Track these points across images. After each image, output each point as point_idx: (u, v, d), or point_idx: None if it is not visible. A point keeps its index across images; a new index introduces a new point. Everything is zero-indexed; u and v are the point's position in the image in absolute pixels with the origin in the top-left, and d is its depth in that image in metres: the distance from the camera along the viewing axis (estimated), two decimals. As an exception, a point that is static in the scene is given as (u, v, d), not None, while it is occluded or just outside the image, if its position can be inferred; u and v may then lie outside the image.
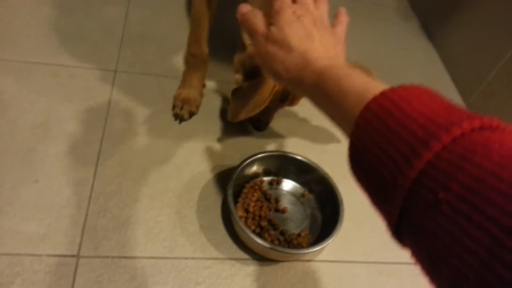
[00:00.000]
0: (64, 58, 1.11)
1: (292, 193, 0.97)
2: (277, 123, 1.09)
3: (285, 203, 0.95)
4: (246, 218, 0.88)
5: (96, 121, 0.99)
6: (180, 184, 0.93)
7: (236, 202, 0.90)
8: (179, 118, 1.05)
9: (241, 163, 0.91)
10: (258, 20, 0.56)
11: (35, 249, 0.78)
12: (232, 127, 1.07)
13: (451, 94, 1.38)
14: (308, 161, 0.96)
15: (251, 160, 0.93)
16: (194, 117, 1.06)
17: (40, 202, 0.84)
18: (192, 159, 0.98)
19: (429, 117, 0.33)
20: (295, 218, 0.93)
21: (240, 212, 0.88)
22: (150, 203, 0.89)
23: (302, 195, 0.96)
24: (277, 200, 0.94)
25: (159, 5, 1.36)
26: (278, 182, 0.97)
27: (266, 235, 0.86)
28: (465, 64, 1.40)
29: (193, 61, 1.05)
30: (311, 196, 0.96)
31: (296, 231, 0.90)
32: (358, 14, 1.48)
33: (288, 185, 0.97)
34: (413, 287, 0.89)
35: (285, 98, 0.92)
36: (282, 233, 0.88)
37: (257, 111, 0.86)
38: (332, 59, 0.50)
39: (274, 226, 0.89)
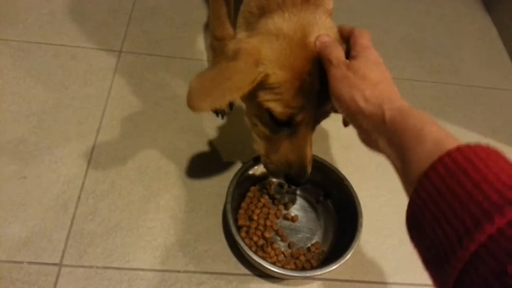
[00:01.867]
0: (67, 37, 1.03)
1: (305, 198, 0.85)
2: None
3: (296, 209, 0.83)
4: (249, 228, 0.77)
5: (94, 110, 0.91)
6: (179, 183, 0.84)
7: (239, 207, 0.79)
8: (220, 113, 0.95)
9: (246, 162, 0.80)
10: (339, 50, 0.58)
11: (15, 255, 0.72)
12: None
13: (508, 76, 1.18)
14: (325, 162, 0.83)
15: (259, 159, 0.81)
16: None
17: (26, 201, 0.78)
18: (196, 155, 0.88)
19: (506, 183, 0.32)
20: (306, 228, 0.81)
21: (242, 221, 0.77)
22: (144, 205, 0.80)
23: (317, 201, 0.84)
24: (286, 207, 0.82)
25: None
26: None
27: (269, 249, 0.75)
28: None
29: (220, 46, 0.92)
30: (326, 200, 0.84)
31: (306, 245, 0.79)
32: None
33: (301, 187, 0.85)
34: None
35: (309, 91, 0.62)
36: (290, 246, 0.78)
37: (227, 100, 0.60)
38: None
39: (281, 238, 0.78)
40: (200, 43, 1.08)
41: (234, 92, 0.58)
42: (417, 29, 1.22)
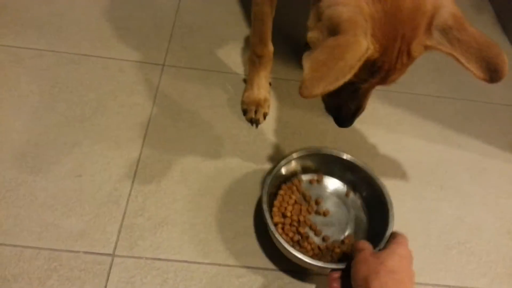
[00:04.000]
0: (114, 51, 1.12)
1: (335, 193, 0.91)
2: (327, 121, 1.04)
3: (327, 204, 0.89)
4: (284, 225, 0.84)
5: (140, 116, 0.99)
6: (218, 185, 0.91)
7: (272, 205, 0.86)
8: (255, 122, 1.03)
9: (277, 164, 0.87)
10: (368, 244, 0.70)
11: (73, 245, 0.79)
12: (278, 124, 1.03)
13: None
14: (353, 159, 0.90)
15: (288, 159, 0.88)
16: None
17: (82, 197, 0.86)
18: (233, 160, 0.95)
19: None
20: (338, 221, 0.87)
21: (277, 218, 0.84)
22: (187, 204, 0.87)
23: (346, 195, 0.90)
24: (317, 202, 0.89)
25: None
26: (319, 181, 0.92)
27: (305, 243, 0.81)
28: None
29: (259, 62, 1.01)
30: (356, 196, 0.90)
31: (340, 237, 0.85)
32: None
33: (330, 184, 0.92)
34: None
35: (377, 70, 0.64)
36: (324, 239, 0.84)
37: (341, 83, 0.57)
38: None
39: (315, 232, 0.84)
40: (235, 58, 1.17)
41: (347, 73, 0.55)
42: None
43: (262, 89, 1.03)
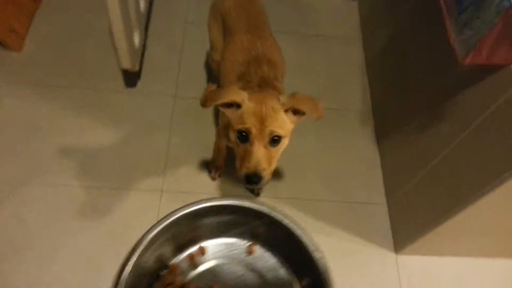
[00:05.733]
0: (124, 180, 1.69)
1: (232, 257, 0.91)
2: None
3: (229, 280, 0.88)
4: None
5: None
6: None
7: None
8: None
9: (133, 250, 0.88)
10: None
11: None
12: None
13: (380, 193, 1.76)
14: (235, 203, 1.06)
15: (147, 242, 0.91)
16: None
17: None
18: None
19: None
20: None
21: None
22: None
23: (248, 252, 0.94)
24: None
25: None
26: (203, 252, 1.04)
27: None
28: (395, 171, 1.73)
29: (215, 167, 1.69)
30: (262, 249, 0.97)
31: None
32: (324, 124, 1.89)
33: (217, 247, 1.00)
34: None
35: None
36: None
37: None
38: None
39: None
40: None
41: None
42: (326, 158, 1.84)
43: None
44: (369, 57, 2.12)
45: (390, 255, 1.61)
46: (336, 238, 1.61)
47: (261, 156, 1.03)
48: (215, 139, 1.59)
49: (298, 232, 1.03)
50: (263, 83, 1.22)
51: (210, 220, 1.02)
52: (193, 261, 1.00)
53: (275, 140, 1.06)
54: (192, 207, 1.00)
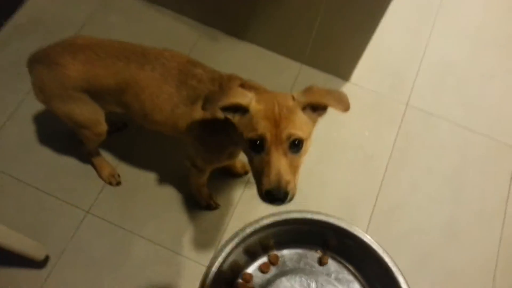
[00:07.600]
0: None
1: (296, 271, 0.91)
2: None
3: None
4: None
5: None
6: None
7: None
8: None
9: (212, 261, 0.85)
10: None
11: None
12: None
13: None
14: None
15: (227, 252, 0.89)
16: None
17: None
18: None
19: None
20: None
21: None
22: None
23: (321, 263, 0.91)
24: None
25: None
26: (273, 262, 0.96)
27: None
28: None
29: (206, 199, 1.54)
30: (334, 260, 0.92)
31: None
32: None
33: (288, 257, 0.95)
34: None
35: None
36: None
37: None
38: None
39: None
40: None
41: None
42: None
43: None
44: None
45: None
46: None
47: (282, 166, 0.86)
48: (191, 177, 1.41)
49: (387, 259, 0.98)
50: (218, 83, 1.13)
51: (283, 229, 1.00)
52: (265, 270, 0.99)
53: (295, 145, 0.88)
54: (270, 218, 0.97)
